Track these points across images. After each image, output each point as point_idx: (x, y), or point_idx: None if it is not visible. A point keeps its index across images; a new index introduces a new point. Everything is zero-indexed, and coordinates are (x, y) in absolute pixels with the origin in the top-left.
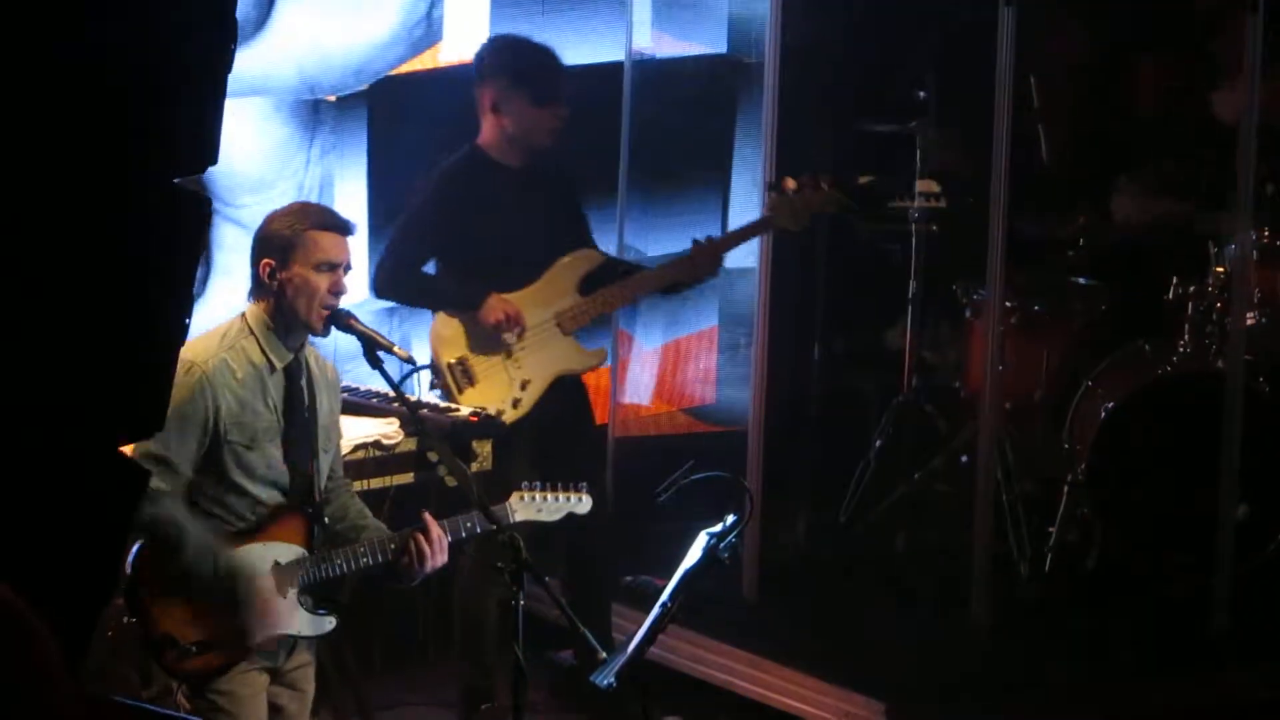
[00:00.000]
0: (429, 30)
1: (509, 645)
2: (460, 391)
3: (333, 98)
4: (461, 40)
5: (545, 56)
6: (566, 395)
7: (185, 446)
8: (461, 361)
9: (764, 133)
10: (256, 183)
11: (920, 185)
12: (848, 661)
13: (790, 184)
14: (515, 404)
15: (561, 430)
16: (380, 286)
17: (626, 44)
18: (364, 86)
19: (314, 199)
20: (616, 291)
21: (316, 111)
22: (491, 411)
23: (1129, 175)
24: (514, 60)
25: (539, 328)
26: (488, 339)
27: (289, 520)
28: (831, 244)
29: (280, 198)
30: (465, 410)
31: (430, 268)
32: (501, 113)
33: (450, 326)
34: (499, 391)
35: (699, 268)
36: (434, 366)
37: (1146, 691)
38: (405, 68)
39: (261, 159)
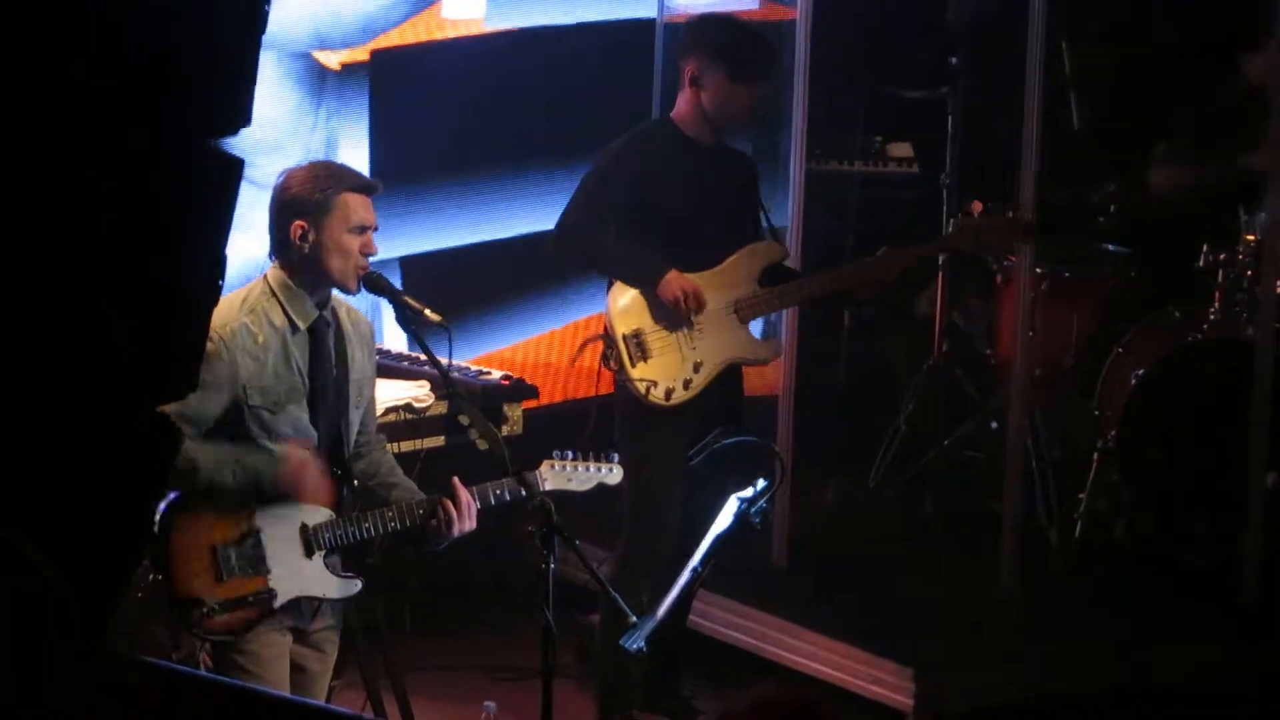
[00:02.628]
0: None
1: (543, 606)
2: (634, 365)
3: (337, 66)
4: (457, 1)
5: (749, 34)
6: (729, 382)
7: (206, 411)
8: (637, 334)
9: (795, 98)
10: (270, 145)
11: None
12: (876, 627)
13: (977, 207)
14: (687, 385)
15: (721, 416)
16: (559, 244)
17: (659, 2)
18: (370, 41)
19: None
20: (795, 288)
21: (323, 79)
22: (662, 389)
23: (1167, 142)
24: (717, 35)
25: (718, 312)
26: (667, 314)
27: (318, 482)
28: (861, 209)
29: (289, 159)
30: (496, 374)
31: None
32: (700, 86)
33: (629, 297)
34: (673, 369)
35: (877, 277)
36: (608, 337)
37: (1175, 659)
38: (404, 39)
39: (273, 123)
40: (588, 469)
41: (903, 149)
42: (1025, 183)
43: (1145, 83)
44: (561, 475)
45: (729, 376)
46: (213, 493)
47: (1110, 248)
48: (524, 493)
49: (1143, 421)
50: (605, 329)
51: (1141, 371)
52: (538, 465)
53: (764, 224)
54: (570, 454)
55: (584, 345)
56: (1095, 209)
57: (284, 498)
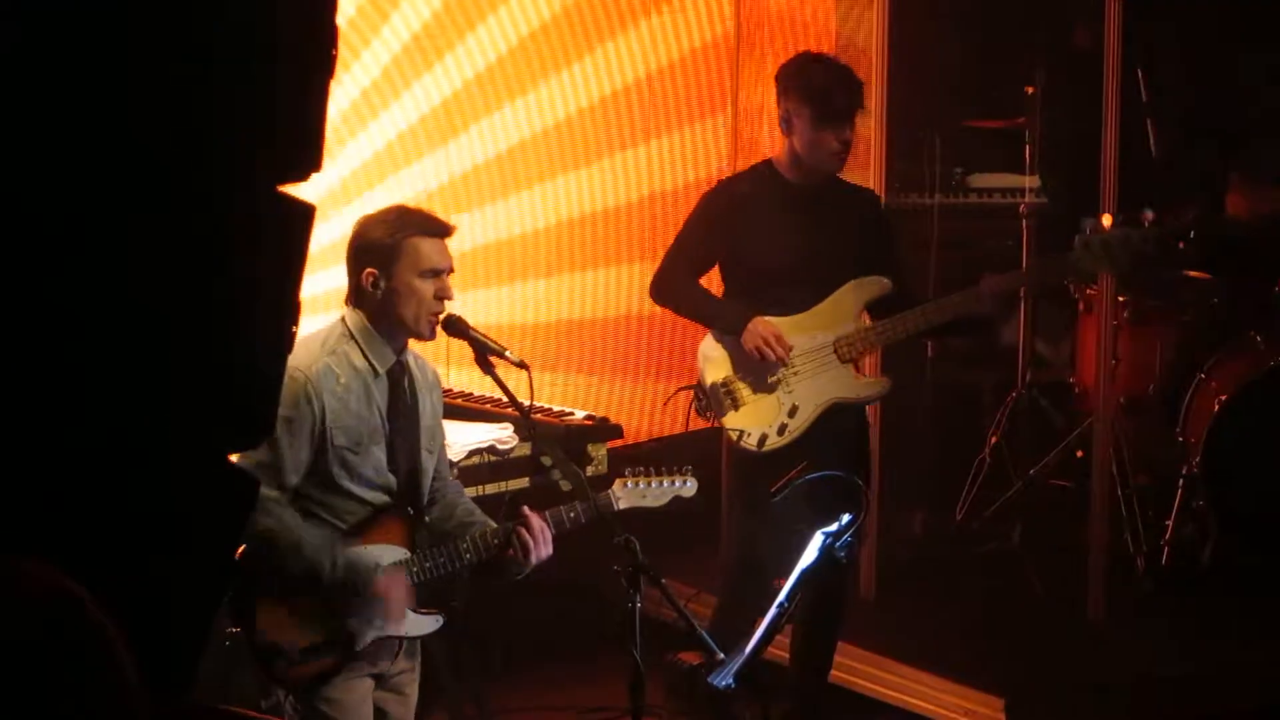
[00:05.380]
0: None
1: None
2: (724, 414)
3: None
4: None
5: (836, 76)
6: (842, 424)
7: (295, 454)
8: (726, 383)
9: (873, 128)
10: None
11: (1029, 181)
12: (966, 658)
13: (1107, 221)
14: (782, 430)
15: (831, 461)
16: (655, 292)
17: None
18: None
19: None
20: (899, 322)
21: None
22: (755, 437)
23: (1243, 168)
24: (804, 77)
25: (815, 353)
26: (756, 362)
27: (390, 522)
28: (944, 240)
29: None
30: (579, 414)
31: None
32: (790, 130)
33: (717, 348)
34: (765, 416)
35: (985, 303)
36: (699, 387)
37: (1265, 685)
38: None
39: None
40: (661, 484)
41: (985, 180)
42: (1104, 208)
43: (1223, 109)
44: (635, 492)
45: (841, 419)
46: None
47: (1192, 274)
48: (598, 514)
49: (1227, 447)
50: (698, 378)
51: (1225, 397)
52: (610, 484)
53: (890, 256)
54: (642, 470)
55: (675, 393)
56: (1175, 235)
57: (356, 542)
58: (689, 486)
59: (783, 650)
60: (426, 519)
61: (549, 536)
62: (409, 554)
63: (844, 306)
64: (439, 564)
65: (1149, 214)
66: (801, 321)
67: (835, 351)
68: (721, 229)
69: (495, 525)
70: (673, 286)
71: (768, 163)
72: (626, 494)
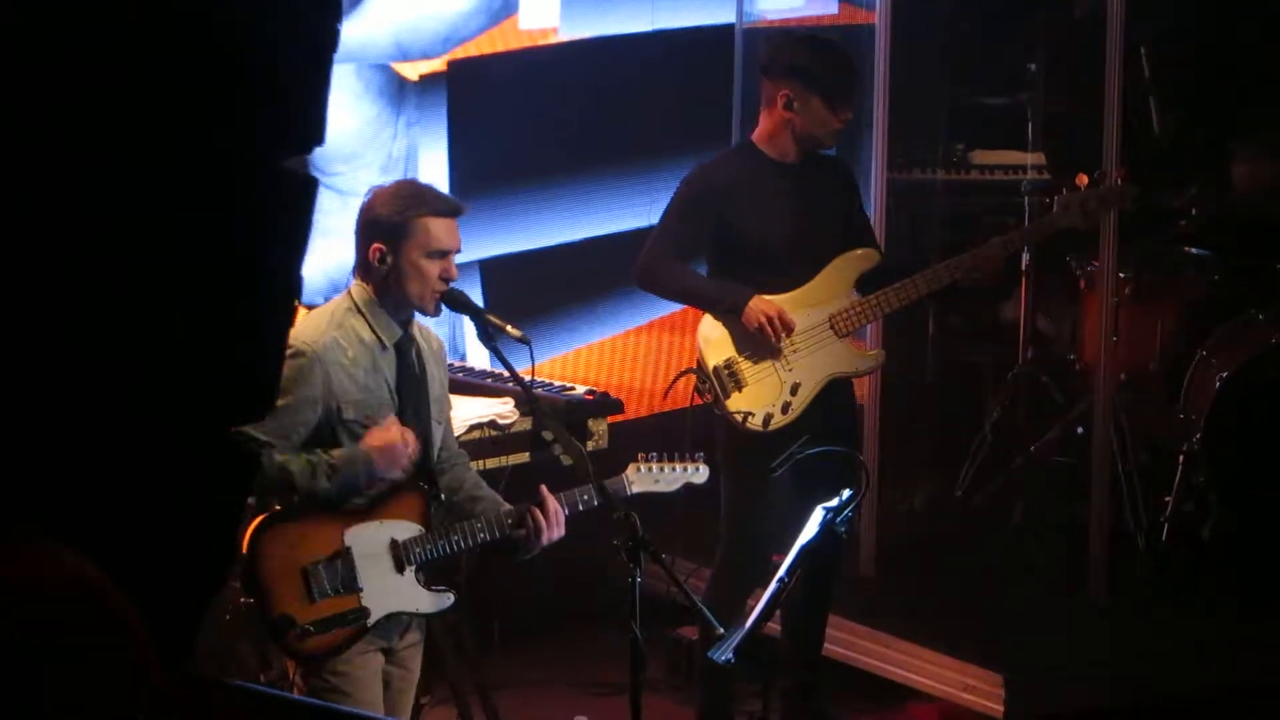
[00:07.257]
0: (506, 2)
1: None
2: (727, 396)
3: (416, 77)
4: (534, 11)
5: (843, 61)
6: (835, 396)
7: (295, 429)
8: (729, 364)
9: (875, 106)
10: (351, 154)
11: (1031, 158)
12: (966, 634)
13: (1083, 179)
14: (785, 409)
15: (830, 434)
16: (640, 277)
17: (738, 9)
18: (449, 53)
19: (401, 168)
20: (893, 293)
21: (402, 89)
22: (760, 417)
23: (1243, 143)
24: (813, 62)
25: (813, 330)
26: (756, 342)
27: (406, 497)
28: (944, 216)
29: (370, 167)
30: (580, 389)
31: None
32: (794, 110)
33: (717, 328)
34: (768, 395)
35: (979, 268)
36: (700, 370)
37: (1264, 661)
38: (482, 49)
39: (354, 132)
40: (674, 470)
41: (986, 156)
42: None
43: (1223, 83)
44: (648, 477)
45: (835, 393)
46: (309, 502)
47: (1193, 251)
48: (610, 498)
49: (1228, 424)
50: (697, 362)
51: (1226, 374)
52: (624, 469)
53: (867, 224)
54: (655, 455)
55: (677, 378)
56: (1177, 213)
57: (371, 517)
58: (701, 473)
59: (773, 623)
60: (441, 495)
61: (562, 518)
62: (423, 530)
63: (836, 281)
64: (453, 541)
65: (1122, 171)
66: (797, 298)
67: (832, 327)
68: (709, 211)
69: (506, 503)
70: (663, 270)
71: (750, 142)
72: (640, 478)
